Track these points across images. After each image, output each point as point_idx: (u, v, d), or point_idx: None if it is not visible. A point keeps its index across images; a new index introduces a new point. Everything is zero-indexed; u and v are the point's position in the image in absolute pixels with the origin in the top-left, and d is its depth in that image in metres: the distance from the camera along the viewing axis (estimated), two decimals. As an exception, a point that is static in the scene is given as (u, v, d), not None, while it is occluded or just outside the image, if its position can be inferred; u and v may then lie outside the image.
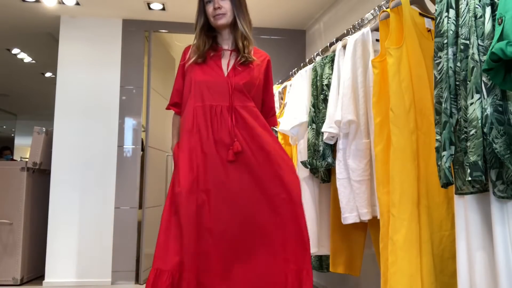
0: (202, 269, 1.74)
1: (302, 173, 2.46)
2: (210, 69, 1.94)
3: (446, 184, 1.34)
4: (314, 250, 2.44)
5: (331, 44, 2.48)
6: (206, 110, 1.88)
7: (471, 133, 1.22)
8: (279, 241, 1.80)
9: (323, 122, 2.18)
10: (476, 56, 1.23)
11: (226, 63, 1.96)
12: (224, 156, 1.83)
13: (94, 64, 4.09)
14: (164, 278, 1.72)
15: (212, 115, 1.87)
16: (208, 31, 1.99)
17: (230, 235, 1.78)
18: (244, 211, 1.81)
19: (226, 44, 2.01)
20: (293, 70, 3.22)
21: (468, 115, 1.24)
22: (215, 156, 1.83)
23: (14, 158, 7.42)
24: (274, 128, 3.07)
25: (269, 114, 2.09)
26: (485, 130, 1.20)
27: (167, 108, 2.04)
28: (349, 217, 2.04)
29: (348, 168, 2.05)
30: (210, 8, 1.94)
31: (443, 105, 1.34)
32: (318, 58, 2.53)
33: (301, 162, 2.38)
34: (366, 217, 2.01)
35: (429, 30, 1.82)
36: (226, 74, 1.93)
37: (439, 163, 1.35)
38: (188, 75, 1.97)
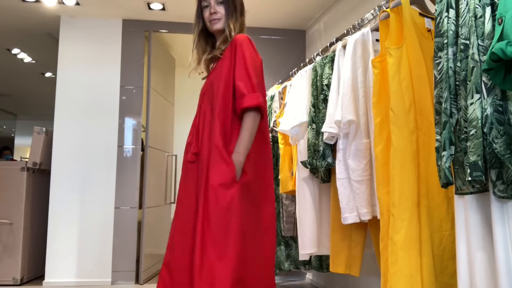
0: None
1: (302, 173, 2.46)
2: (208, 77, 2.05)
3: (446, 184, 1.34)
4: (314, 250, 2.45)
5: (331, 44, 2.49)
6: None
7: (471, 133, 1.22)
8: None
9: (323, 122, 2.18)
10: (476, 56, 1.23)
11: (211, 67, 2.05)
12: (188, 158, 1.92)
13: (94, 64, 4.09)
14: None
15: (193, 121, 2.00)
16: (207, 36, 2.04)
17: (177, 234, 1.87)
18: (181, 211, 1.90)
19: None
20: (293, 70, 3.23)
21: (468, 115, 1.24)
22: (184, 158, 1.96)
23: (14, 158, 7.42)
24: (274, 128, 3.07)
25: (238, 99, 1.85)
26: (485, 130, 1.20)
27: None
28: (349, 217, 2.04)
29: (348, 168, 2.05)
30: (206, 13, 1.98)
31: (443, 105, 1.34)
32: (318, 58, 2.53)
33: (301, 162, 2.38)
34: (366, 217, 2.01)
35: (429, 30, 1.82)
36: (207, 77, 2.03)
37: (439, 163, 1.35)
38: None
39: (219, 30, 1.98)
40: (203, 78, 2.06)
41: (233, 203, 1.74)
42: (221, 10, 1.95)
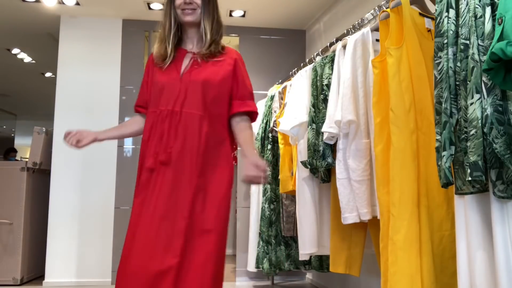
0: None
1: (302, 173, 2.46)
2: (169, 72, 1.83)
3: (446, 184, 1.34)
4: (314, 250, 2.45)
5: (331, 44, 2.49)
6: (157, 115, 1.81)
7: (471, 133, 1.22)
8: None
9: (323, 122, 2.18)
10: (476, 56, 1.24)
11: (186, 64, 1.83)
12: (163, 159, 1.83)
13: (94, 64, 4.09)
14: None
15: (158, 121, 1.80)
16: (176, 31, 1.85)
17: None
18: None
19: (190, 43, 1.87)
20: (293, 70, 3.23)
21: (468, 115, 1.24)
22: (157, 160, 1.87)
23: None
24: (274, 128, 3.07)
25: (242, 101, 1.85)
26: (485, 130, 1.20)
27: (135, 111, 2.01)
28: (349, 217, 2.04)
29: (348, 168, 2.05)
30: (179, 1, 1.79)
31: (443, 105, 1.34)
32: (318, 58, 2.53)
33: (301, 162, 2.38)
34: (366, 217, 2.01)
35: (429, 30, 1.82)
36: (181, 75, 1.80)
37: (439, 163, 1.35)
38: (150, 79, 1.94)
39: (191, 22, 1.81)
40: (159, 68, 1.85)
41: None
42: (197, 0, 1.79)
